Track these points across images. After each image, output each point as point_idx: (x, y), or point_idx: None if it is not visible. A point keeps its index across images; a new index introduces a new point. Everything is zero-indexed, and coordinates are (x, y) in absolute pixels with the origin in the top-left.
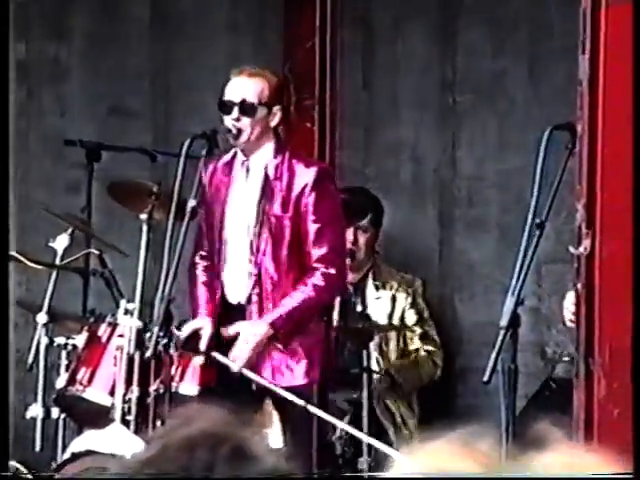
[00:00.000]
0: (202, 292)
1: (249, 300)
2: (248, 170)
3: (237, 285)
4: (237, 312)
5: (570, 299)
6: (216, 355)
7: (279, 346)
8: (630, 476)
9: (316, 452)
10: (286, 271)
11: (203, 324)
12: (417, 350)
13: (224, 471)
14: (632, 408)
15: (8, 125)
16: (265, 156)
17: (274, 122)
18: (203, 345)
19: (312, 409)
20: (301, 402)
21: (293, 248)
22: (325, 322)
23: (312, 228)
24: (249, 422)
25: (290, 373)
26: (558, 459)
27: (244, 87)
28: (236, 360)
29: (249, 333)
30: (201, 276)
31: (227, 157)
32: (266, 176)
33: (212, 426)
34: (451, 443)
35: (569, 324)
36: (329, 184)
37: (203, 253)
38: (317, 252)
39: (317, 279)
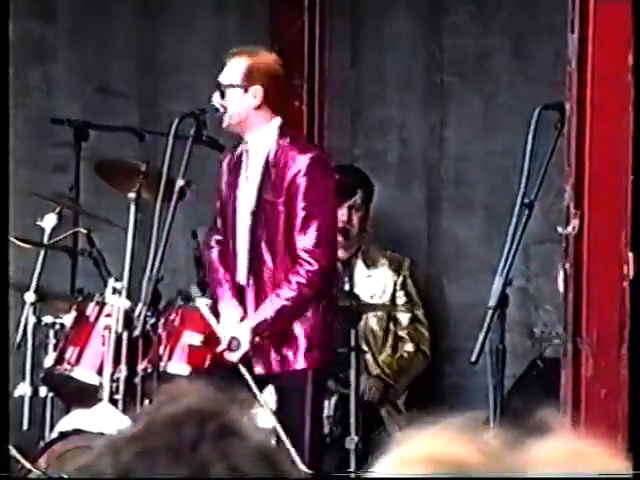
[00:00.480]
0: (225, 276)
1: (247, 284)
2: (248, 155)
3: (241, 268)
4: (241, 293)
5: None
6: (243, 370)
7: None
8: (630, 476)
9: (307, 431)
10: (281, 258)
11: (241, 334)
12: (409, 353)
13: (210, 448)
14: (629, 405)
15: (8, 112)
16: (265, 142)
17: (255, 103)
18: (236, 358)
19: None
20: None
21: (287, 235)
22: (323, 307)
23: (300, 214)
24: (239, 401)
25: (288, 358)
26: (561, 447)
27: (227, 68)
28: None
29: (237, 337)
30: (219, 259)
31: (244, 145)
32: (266, 162)
33: (199, 403)
34: (449, 429)
35: None
36: (322, 172)
37: (219, 237)
38: (302, 241)
39: (300, 277)
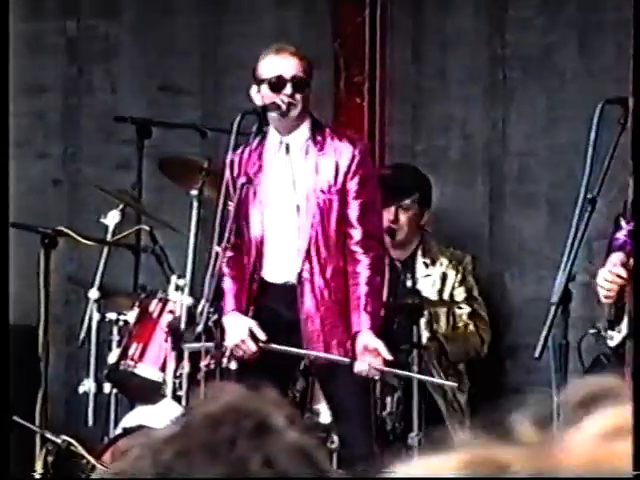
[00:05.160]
0: (231, 286)
1: (299, 278)
2: (288, 149)
3: (283, 265)
4: (282, 291)
5: (602, 275)
6: (273, 346)
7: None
8: (631, 476)
9: (365, 428)
10: (335, 248)
11: (242, 333)
12: (466, 325)
13: (247, 446)
14: (633, 406)
15: (8, 111)
16: (304, 133)
17: (309, 98)
18: (253, 347)
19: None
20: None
21: (340, 225)
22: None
23: (353, 206)
24: (280, 398)
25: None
26: None
27: (293, 64)
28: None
29: (369, 347)
30: (229, 269)
31: (254, 142)
32: (309, 153)
33: (235, 401)
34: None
35: (604, 300)
36: (370, 162)
37: (228, 245)
38: (355, 233)
39: (365, 265)
